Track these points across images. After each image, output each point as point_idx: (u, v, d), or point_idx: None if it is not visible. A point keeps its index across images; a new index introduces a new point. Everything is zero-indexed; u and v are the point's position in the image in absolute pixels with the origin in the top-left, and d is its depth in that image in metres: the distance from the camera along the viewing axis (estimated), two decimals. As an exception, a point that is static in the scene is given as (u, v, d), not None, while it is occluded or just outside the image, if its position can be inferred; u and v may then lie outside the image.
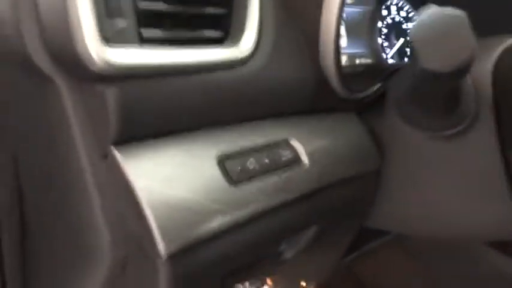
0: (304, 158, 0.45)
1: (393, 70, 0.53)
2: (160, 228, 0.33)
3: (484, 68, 0.45)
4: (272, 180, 0.42)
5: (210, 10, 0.39)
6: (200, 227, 0.36)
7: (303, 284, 0.67)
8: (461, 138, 0.47)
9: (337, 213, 0.53)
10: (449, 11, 0.34)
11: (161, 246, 0.33)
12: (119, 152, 0.34)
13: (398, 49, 0.63)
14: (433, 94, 0.41)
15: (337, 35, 0.44)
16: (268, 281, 0.59)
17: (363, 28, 0.59)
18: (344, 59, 0.55)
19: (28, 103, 0.37)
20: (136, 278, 0.38)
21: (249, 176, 0.40)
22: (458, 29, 0.34)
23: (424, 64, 0.35)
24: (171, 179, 0.36)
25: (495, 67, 0.45)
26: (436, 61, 0.34)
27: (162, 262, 0.34)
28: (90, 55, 0.30)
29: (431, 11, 0.35)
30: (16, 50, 0.32)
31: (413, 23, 0.35)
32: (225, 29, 0.40)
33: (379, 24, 0.60)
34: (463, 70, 0.35)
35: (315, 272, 0.68)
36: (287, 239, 0.53)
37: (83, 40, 0.29)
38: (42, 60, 0.33)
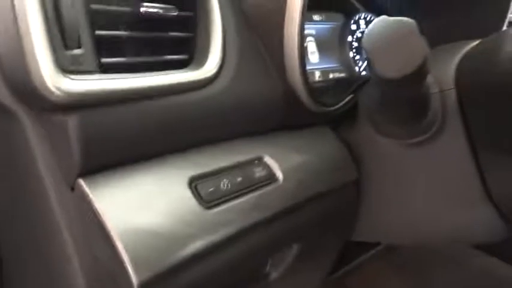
0: (279, 175, 0.45)
1: (364, 81, 0.54)
2: (132, 258, 0.32)
3: (447, 72, 0.46)
4: (247, 199, 0.41)
5: (174, 35, 0.39)
6: (174, 254, 0.35)
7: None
8: (432, 143, 0.47)
9: (318, 229, 0.53)
10: (398, 19, 0.35)
11: (133, 277, 0.32)
12: (85, 183, 0.34)
13: None
14: (399, 101, 0.42)
15: (301, 51, 0.44)
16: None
17: (334, 43, 0.60)
18: (317, 75, 0.55)
19: None
20: None
21: (222, 197, 0.39)
22: (408, 35, 0.35)
23: (378, 72, 0.35)
24: (141, 206, 0.35)
25: (457, 71, 0.45)
26: (389, 68, 0.35)
27: None
28: (47, 86, 0.29)
29: (380, 20, 0.35)
30: None
31: (365, 33, 0.36)
32: (190, 51, 0.40)
33: (350, 38, 0.61)
34: (418, 75, 0.36)
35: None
36: (271, 259, 0.52)
37: (39, 71, 0.29)
38: (2, 94, 0.33)
